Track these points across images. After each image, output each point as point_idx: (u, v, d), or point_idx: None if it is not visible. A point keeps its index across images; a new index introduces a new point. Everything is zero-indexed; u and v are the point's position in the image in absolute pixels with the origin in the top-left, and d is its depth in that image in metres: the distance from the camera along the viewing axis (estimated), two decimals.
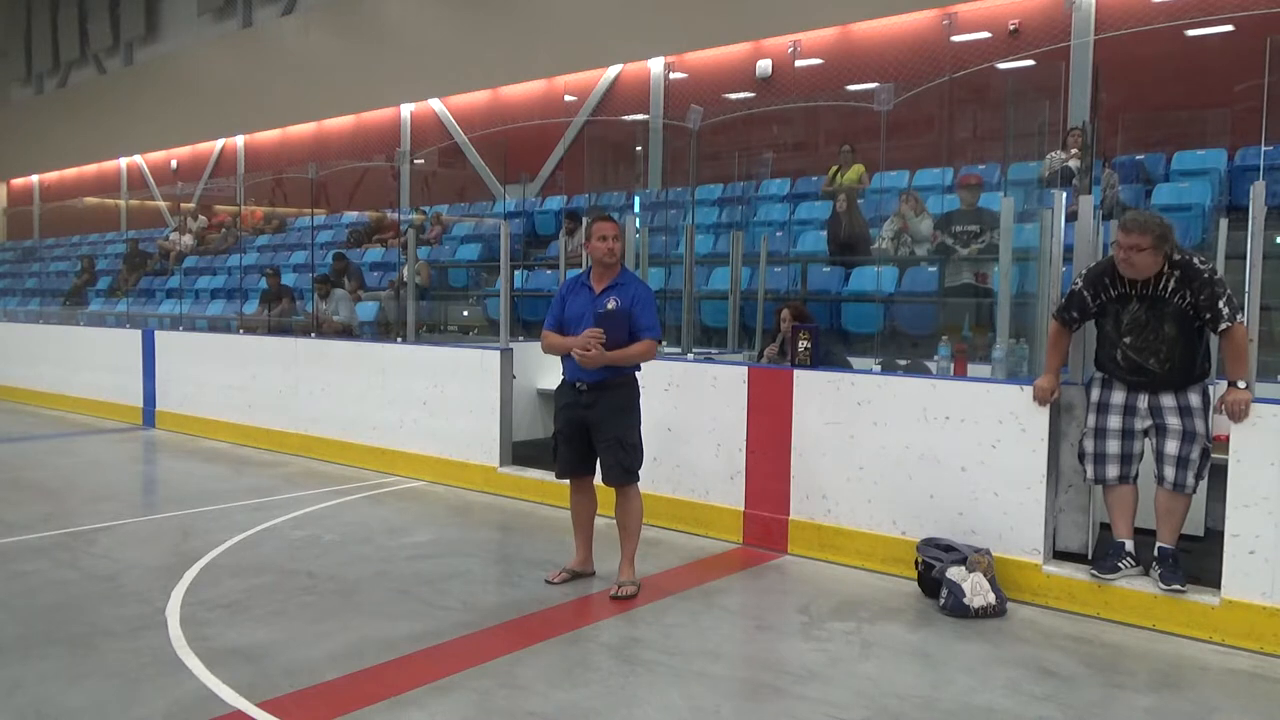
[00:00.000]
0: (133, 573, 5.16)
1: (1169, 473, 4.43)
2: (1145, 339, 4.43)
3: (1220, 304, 4.24)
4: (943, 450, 5.08)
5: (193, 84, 20.72)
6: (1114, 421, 4.58)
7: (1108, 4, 10.02)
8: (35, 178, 26.70)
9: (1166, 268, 4.36)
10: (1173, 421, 4.43)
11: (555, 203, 13.76)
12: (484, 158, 15.60)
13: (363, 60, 17.11)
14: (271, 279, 11.54)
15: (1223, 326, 4.25)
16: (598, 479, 4.99)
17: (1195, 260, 4.34)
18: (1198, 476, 4.42)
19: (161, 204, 21.53)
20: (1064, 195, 5.20)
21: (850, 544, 5.41)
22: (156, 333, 11.04)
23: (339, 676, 3.82)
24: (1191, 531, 4.96)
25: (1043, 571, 4.77)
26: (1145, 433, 4.54)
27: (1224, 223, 6.73)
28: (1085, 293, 4.59)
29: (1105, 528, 4.87)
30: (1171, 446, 4.42)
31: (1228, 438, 4.30)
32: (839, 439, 5.44)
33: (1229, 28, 9.03)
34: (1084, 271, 4.67)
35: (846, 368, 5.95)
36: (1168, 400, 4.45)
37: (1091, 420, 4.65)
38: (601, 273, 4.89)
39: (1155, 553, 4.49)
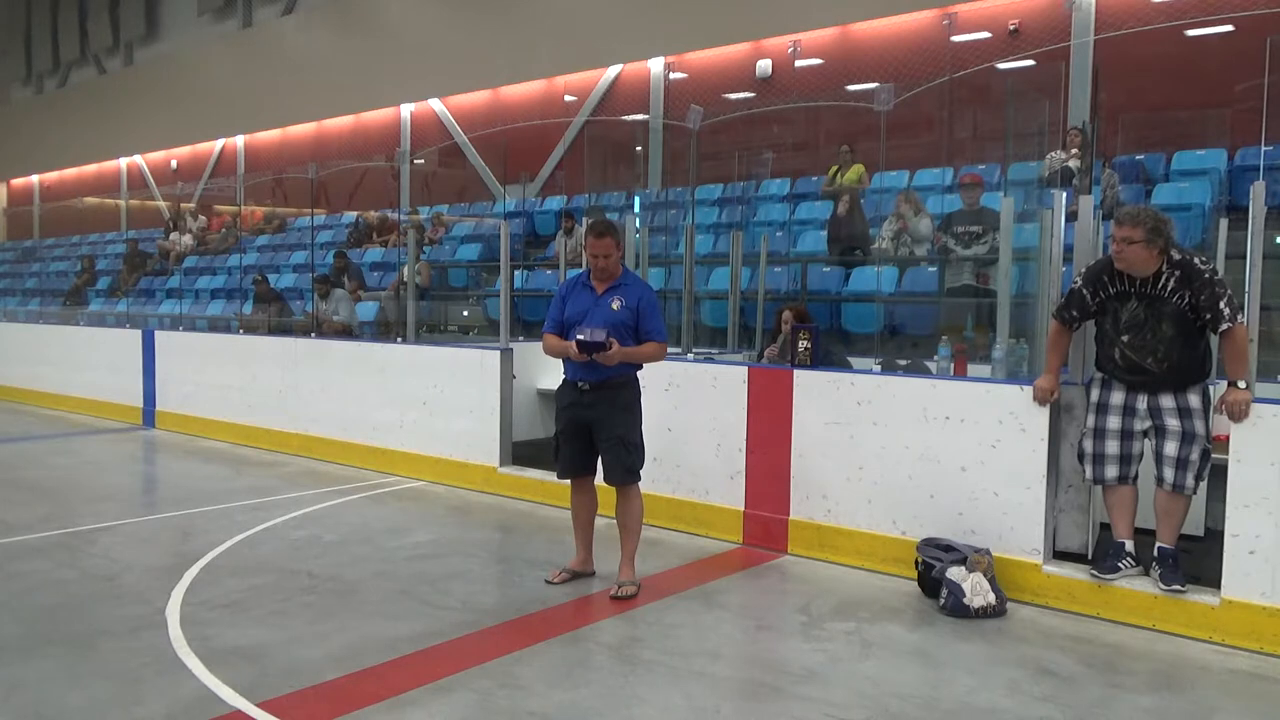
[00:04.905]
0: (133, 573, 5.16)
1: (1168, 474, 4.42)
2: (1143, 338, 4.43)
3: (1221, 304, 4.24)
4: (943, 450, 5.08)
5: (193, 84, 20.72)
6: (1113, 422, 4.57)
7: (1108, 4, 10.02)
8: (35, 178, 26.70)
9: (1166, 267, 4.36)
10: (1172, 423, 4.43)
11: (555, 203, 13.75)
12: (484, 158, 15.60)
13: (363, 60, 17.11)
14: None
15: (1223, 327, 4.25)
16: (598, 479, 4.99)
17: (1196, 260, 4.34)
18: (1198, 477, 4.41)
19: (161, 204, 21.51)
20: (1064, 195, 5.20)
21: (850, 544, 5.41)
22: (156, 333, 11.04)
23: (339, 676, 3.82)
24: (1191, 531, 4.96)
25: (1043, 571, 4.77)
26: (1145, 433, 4.54)
27: (1224, 223, 6.73)
28: (1085, 291, 4.59)
29: (1105, 528, 4.87)
30: (1171, 448, 4.42)
31: (1228, 438, 4.30)
32: (839, 439, 5.44)
33: (1229, 28, 9.03)
34: (1084, 270, 4.67)
35: (846, 368, 5.95)
36: (1167, 401, 4.45)
37: (1091, 421, 4.65)
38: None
39: (1155, 553, 4.49)
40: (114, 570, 5.20)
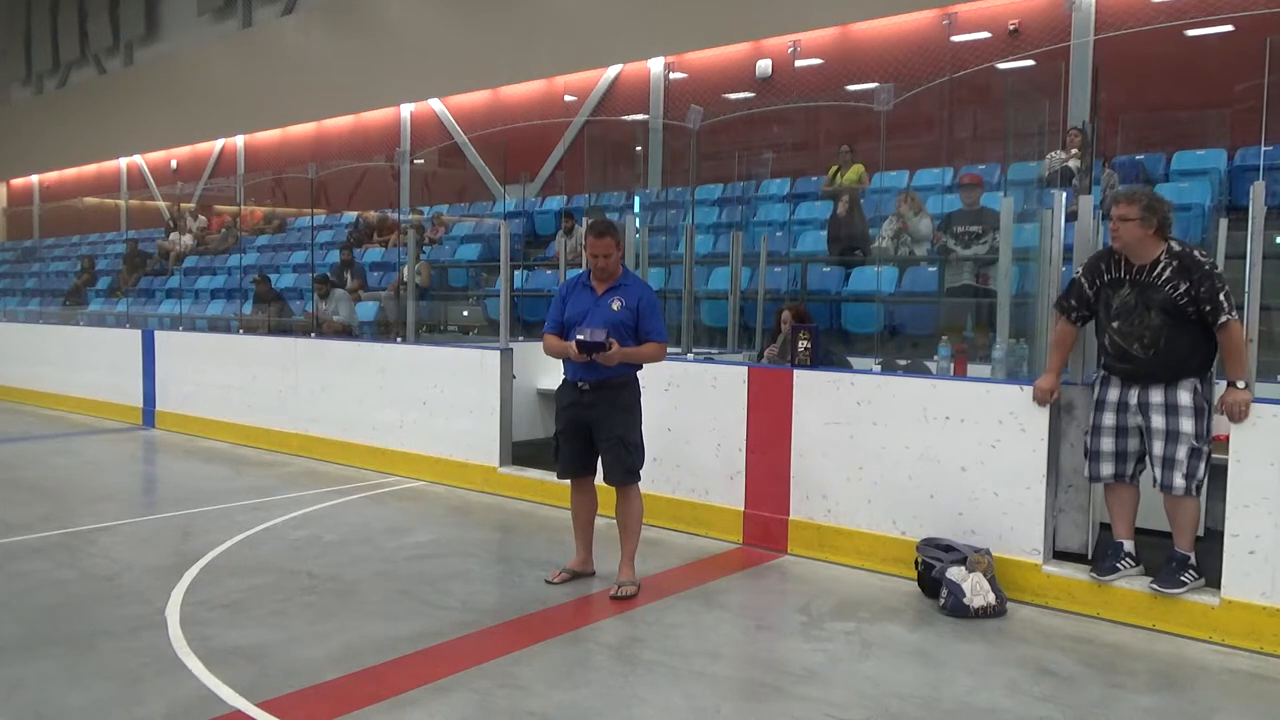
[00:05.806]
0: (133, 573, 5.16)
1: (1156, 473, 4.41)
2: (1131, 324, 4.42)
3: (1220, 296, 4.25)
4: (942, 450, 5.08)
5: (193, 84, 20.71)
6: (1108, 419, 4.57)
7: (1108, 4, 10.02)
8: (35, 178, 26.69)
9: (1165, 256, 4.36)
10: (1157, 420, 4.41)
11: (555, 203, 13.75)
12: (484, 158, 15.60)
13: (363, 60, 17.11)
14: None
15: (1222, 319, 4.24)
16: (598, 479, 4.99)
17: (1196, 252, 4.35)
18: (1187, 477, 4.33)
19: (161, 204, 21.51)
20: (1064, 195, 5.20)
21: (850, 544, 5.41)
22: (156, 333, 11.04)
23: (339, 676, 3.82)
24: None
25: (1042, 571, 4.77)
26: (1141, 430, 4.52)
27: (1224, 223, 6.72)
28: (1083, 280, 4.61)
29: (1105, 528, 4.87)
30: (1157, 447, 4.41)
31: (1228, 438, 4.30)
32: (839, 439, 5.44)
33: (1229, 28, 9.02)
34: (1084, 262, 4.69)
35: (846, 368, 5.95)
36: (1156, 396, 4.42)
37: (1090, 418, 4.65)
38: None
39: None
40: (114, 570, 5.20)
